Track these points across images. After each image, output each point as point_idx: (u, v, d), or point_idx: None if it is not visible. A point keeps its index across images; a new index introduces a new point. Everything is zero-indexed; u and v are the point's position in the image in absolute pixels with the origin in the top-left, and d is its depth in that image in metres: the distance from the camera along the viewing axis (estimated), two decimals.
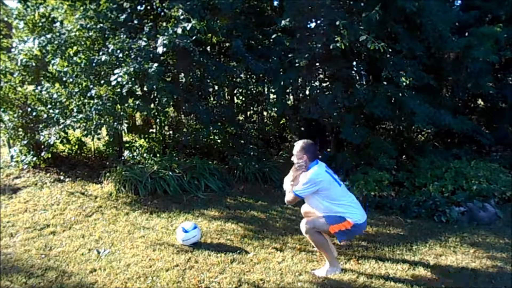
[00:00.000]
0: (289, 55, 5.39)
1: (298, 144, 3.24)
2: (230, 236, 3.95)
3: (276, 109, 6.38)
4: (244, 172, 5.66)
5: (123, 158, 5.79)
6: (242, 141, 6.13)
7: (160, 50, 4.58)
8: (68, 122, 4.81)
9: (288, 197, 3.25)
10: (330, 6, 5.09)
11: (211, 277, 3.16)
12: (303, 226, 3.19)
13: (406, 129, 6.28)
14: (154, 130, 6.59)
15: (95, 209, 4.59)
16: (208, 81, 5.83)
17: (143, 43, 4.73)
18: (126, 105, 5.04)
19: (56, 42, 4.97)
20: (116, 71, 4.61)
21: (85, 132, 4.90)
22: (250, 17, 6.20)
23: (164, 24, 5.18)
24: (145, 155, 5.84)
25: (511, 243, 3.89)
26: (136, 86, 5.37)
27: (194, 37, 4.83)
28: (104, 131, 5.32)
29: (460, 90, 6.40)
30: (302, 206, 3.54)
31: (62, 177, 5.48)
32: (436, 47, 5.42)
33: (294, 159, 3.24)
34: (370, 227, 4.26)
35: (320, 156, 3.30)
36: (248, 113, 6.96)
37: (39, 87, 5.36)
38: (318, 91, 5.65)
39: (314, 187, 3.09)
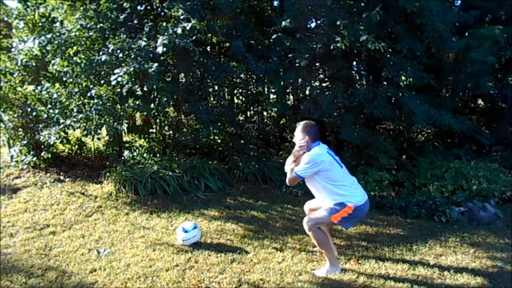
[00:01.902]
0: (289, 55, 5.39)
1: (300, 125, 3.23)
2: (230, 236, 3.95)
3: (276, 109, 6.38)
4: (244, 172, 5.65)
5: (123, 158, 5.79)
6: (242, 141, 6.13)
7: (160, 50, 4.58)
8: (68, 122, 4.81)
9: (289, 177, 3.22)
10: (330, 6, 5.10)
11: (211, 277, 3.16)
12: (305, 224, 3.18)
13: (406, 129, 6.28)
14: (154, 130, 6.58)
15: (95, 209, 4.59)
16: (208, 81, 5.83)
17: (143, 43, 4.73)
18: (126, 105, 5.03)
19: (56, 42, 4.97)
20: (116, 71, 4.61)
21: (85, 132, 4.90)
22: (250, 17, 6.20)
23: (164, 24, 5.17)
24: (145, 155, 5.84)
25: (511, 243, 3.89)
26: (136, 86, 5.36)
27: (194, 37, 4.83)
28: (104, 131, 5.32)
29: (460, 90, 6.41)
30: (305, 204, 3.54)
31: (62, 177, 5.48)
32: (436, 47, 5.43)
33: (295, 140, 3.23)
34: (370, 227, 4.26)
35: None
36: (248, 113, 6.95)
37: (39, 87, 5.36)
38: (318, 91, 5.65)
39: (315, 167, 3.06)
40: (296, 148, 3.19)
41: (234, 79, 6.31)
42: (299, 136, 3.21)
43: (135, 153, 5.86)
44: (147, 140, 6.25)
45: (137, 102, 5.09)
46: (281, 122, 7.35)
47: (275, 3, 6.75)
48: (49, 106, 5.27)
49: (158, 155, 5.83)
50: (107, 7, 5.16)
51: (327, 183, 3.11)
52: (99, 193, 5.02)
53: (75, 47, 5.07)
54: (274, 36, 5.41)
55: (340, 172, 3.17)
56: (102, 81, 4.95)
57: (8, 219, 4.32)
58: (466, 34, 5.76)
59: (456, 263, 3.47)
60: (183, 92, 5.73)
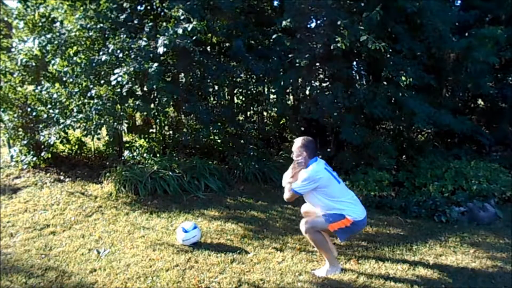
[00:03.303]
0: (289, 55, 5.39)
1: (298, 141, 3.24)
2: (230, 236, 3.95)
3: (276, 109, 6.38)
4: (244, 172, 5.65)
5: (123, 158, 5.79)
6: (242, 141, 6.13)
7: (160, 50, 4.58)
8: (68, 122, 4.81)
9: (287, 194, 3.25)
10: (330, 6, 5.09)
11: (211, 277, 3.16)
12: (302, 226, 3.19)
13: (406, 129, 6.28)
14: (154, 130, 6.58)
15: (95, 209, 4.59)
16: (208, 81, 5.83)
17: (143, 43, 4.73)
18: (126, 105, 5.03)
19: (56, 42, 4.97)
20: (116, 71, 4.60)
21: (85, 132, 4.90)
22: (250, 17, 6.19)
23: (164, 24, 5.17)
24: (145, 155, 5.84)
25: (511, 243, 3.89)
26: (136, 86, 5.37)
27: (194, 37, 4.83)
28: (104, 131, 5.32)
29: (460, 90, 6.41)
30: (302, 206, 3.54)
31: (62, 177, 5.48)
32: (436, 47, 5.42)
33: (293, 156, 3.25)
34: (370, 227, 4.26)
35: (319, 154, 3.30)
36: (248, 113, 6.95)
37: (39, 87, 5.35)
38: (318, 91, 5.65)
39: (313, 184, 3.09)
40: (294, 165, 3.21)
41: (234, 79, 6.31)
42: (296, 152, 3.22)
43: (135, 153, 5.86)
44: (147, 140, 6.25)
45: (137, 102, 5.09)
46: (281, 122, 7.35)
47: (275, 3, 6.74)
48: (49, 106, 5.27)
49: (158, 155, 5.82)
50: (107, 7, 5.15)
51: (325, 199, 3.14)
52: (99, 193, 5.02)
53: (75, 47, 5.07)
54: (274, 36, 5.41)
55: (338, 187, 3.19)
56: (102, 81, 4.95)
57: (8, 219, 4.32)
58: (466, 34, 5.76)
59: (456, 263, 3.47)
60: (183, 92, 5.73)
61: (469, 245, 3.85)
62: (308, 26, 5.68)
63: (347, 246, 3.75)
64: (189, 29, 4.56)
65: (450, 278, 3.20)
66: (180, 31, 4.59)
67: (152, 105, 5.41)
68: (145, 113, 5.69)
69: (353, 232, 3.29)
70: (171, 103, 5.46)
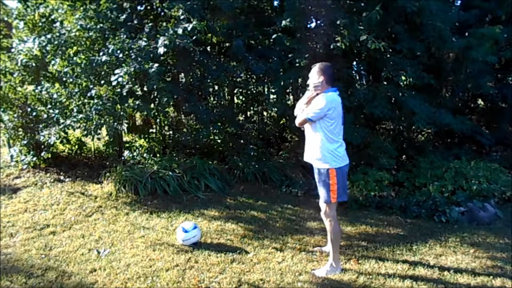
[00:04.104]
0: (289, 55, 5.38)
1: (316, 66, 3.21)
2: (230, 236, 3.95)
3: (276, 109, 6.38)
4: (244, 172, 5.65)
5: (123, 158, 5.79)
6: (242, 141, 6.13)
7: (161, 50, 4.58)
8: (68, 122, 4.81)
9: (299, 118, 3.26)
10: (330, 6, 5.09)
11: (211, 277, 3.16)
12: (324, 215, 3.23)
13: (406, 129, 6.27)
14: (154, 130, 6.58)
15: (95, 209, 4.59)
16: (208, 81, 5.83)
17: (143, 43, 4.73)
18: (126, 105, 5.03)
19: (56, 42, 4.97)
20: (116, 71, 4.60)
21: (85, 132, 4.90)
22: (250, 17, 6.18)
23: (164, 24, 5.17)
24: (145, 155, 5.84)
25: (511, 243, 3.89)
26: (136, 86, 5.36)
27: (194, 37, 4.83)
28: (104, 131, 5.32)
29: (460, 90, 6.39)
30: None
31: (62, 177, 5.48)
32: (436, 47, 5.42)
33: (310, 82, 3.21)
34: (370, 227, 4.27)
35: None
36: (248, 113, 6.95)
37: (39, 87, 5.35)
38: None
39: (326, 111, 3.06)
40: (311, 88, 3.16)
41: (234, 79, 6.31)
42: (314, 77, 3.18)
43: (135, 153, 5.87)
44: (147, 140, 6.25)
45: (137, 102, 5.09)
46: (281, 122, 7.34)
47: (275, 3, 6.73)
48: (49, 106, 5.27)
49: (158, 155, 5.83)
50: (107, 7, 5.15)
51: (324, 132, 3.13)
52: (99, 193, 5.02)
53: (75, 47, 5.07)
54: (274, 36, 5.41)
55: (339, 128, 3.21)
56: (102, 81, 4.95)
57: (8, 219, 4.32)
58: (466, 34, 5.76)
59: (456, 263, 3.47)
60: (183, 92, 5.74)
61: (469, 245, 3.85)
62: (308, 26, 5.68)
63: (347, 246, 3.75)
64: (189, 29, 4.56)
65: (450, 278, 3.20)
66: (180, 31, 4.59)
67: (152, 105, 5.41)
68: (145, 113, 5.69)
69: (343, 180, 3.23)
70: (171, 103, 5.46)
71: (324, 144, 3.16)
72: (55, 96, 5.12)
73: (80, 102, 5.02)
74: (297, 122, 3.30)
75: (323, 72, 3.15)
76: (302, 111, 3.24)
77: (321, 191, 3.25)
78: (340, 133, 3.24)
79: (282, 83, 5.56)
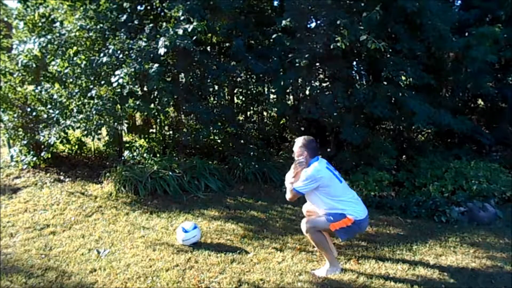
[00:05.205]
0: (289, 55, 5.38)
1: (299, 141, 3.25)
2: (230, 236, 3.95)
3: (276, 109, 6.38)
4: (244, 172, 5.65)
5: (123, 158, 5.79)
6: (242, 141, 6.13)
7: (161, 51, 4.58)
8: (68, 122, 4.81)
9: (289, 194, 3.26)
10: (330, 6, 5.09)
11: (211, 277, 3.16)
12: (303, 225, 3.19)
13: (406, 129, 6.28)
14: (154, 130, 6.59)
15: (95, 209, 4.59)
16: (208, 81, 5.83)
17: (143, 44, 4.73)
18: (126, 105, 5.03)
19: (56, 42, 4.97)
20: (117, 72, 4.60)
21: (85, 132, 4.90)
22: (250, 17, 6.19)
23: (164, 24, 5.17)
24: (145, 155, 5.84)
25: (511, 243, 3.89)
26: (137, 86, 5.36)
27: (194, 37, 4.83)
28: (104, 131, 5.32)
29: (460, 90, 6.40)
30: (303, 205, 3.54)
31: (62, 177, 5.48)
32: (436, 47, 5.41)
33: (294, 156, 3.25)
34: (370, 227, 4.26)
35: (320, 153, 3.30)
36: (248, 113, 6.95)
37: (39, 87, 5.36)
38: (318, 91, 5.64)
39: (314, 183, 3.09)
40: (295, 164, 3.21)
41: (234, 79, 6.31)
42: (297, 152, 3.23)
43: (135, 153, 5.87)
44: (147, 140, 6.26)
45: (137, 102, 5.09)
46: (281, 122, 7.35)
47: (275, 3, 6.74)
48: (49, 106, 5.27)
49: (158, 155, 5.83)
50: (107, 7, 5.16)
51: (327, 198, 3.14)
52: (99, 193, 5.02)
53: (75, 48, 5.07)
54: (274, 36, 5.41)
55: (340, 187, 3.19)
56: (103, 82, 4.95)
57: (8, 219, 4.32)
58: (466, 33, 5.76)
59: (456, 263, 3.47)
60: (183, 92, 5.73)
61: (469, 245, 3.84)
62: (308, 26, 5.68)
63: (347, 246, 3.75)
64: (189, 30, 4.56)
65: (450, 278, 3.20)
66: (180, 31, 4.60)
67: (152, 105, 5.41)
68: (145, 113, 5.69)
69: (354, 232, 3.28)
70: (171, 103, 5.46)
71: (333, 205, 3.13)
72: (55, 96, 5.13)
73: (80, 103, 5.02)
74: (287, 196, 3.29)
75: (306, 147, 3.20)
76: (290, 187, 3.23)
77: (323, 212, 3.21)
78: (344, 190, 3.22)
79: (282, 83, 5.56)
